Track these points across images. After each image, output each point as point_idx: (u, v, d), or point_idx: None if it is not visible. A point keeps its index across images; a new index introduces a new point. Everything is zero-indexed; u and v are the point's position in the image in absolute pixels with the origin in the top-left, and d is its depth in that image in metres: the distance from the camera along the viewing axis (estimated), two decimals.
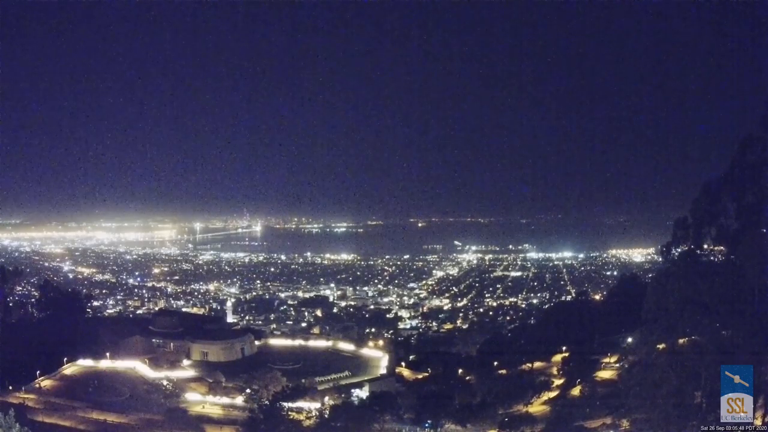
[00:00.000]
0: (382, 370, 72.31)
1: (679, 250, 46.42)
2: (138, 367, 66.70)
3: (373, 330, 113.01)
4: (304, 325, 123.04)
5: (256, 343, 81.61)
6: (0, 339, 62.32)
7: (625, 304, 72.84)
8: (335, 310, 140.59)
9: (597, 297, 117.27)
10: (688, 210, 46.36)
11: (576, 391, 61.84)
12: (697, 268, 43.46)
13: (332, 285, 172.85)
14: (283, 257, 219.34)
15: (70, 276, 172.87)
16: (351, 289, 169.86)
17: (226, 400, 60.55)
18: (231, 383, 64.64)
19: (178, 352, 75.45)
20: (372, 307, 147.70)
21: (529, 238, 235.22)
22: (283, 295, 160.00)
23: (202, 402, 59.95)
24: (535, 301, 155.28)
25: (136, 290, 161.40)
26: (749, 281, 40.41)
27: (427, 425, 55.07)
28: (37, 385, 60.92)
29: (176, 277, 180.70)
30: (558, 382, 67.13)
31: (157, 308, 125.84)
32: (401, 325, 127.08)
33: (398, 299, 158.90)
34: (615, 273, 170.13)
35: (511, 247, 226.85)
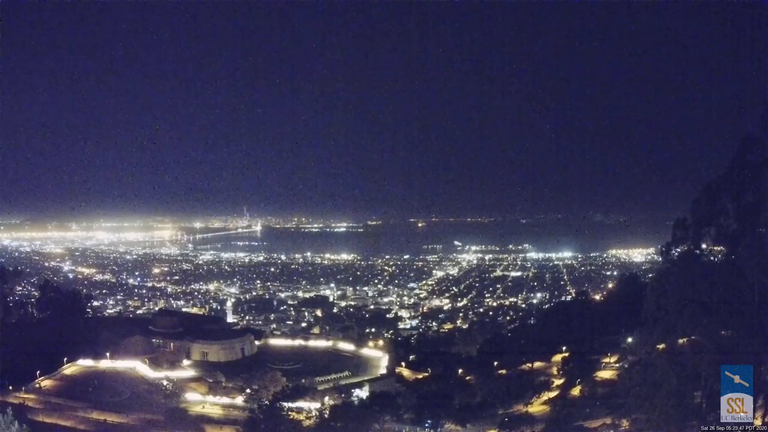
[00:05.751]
0: (382, 370, 72.32)
1: (678, 250, 46.36)
2: (138, 367, 66.67)
3: (373, 330, 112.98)
4: (304, 325, 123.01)
5: (256, 343, 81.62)
6: (0, 339, 62.32)
7: (625, 304, 72.87)
8: (335, 310, 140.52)
9: (597, 297, 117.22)
10: (688, 210, 46.31)
11: (576, 391, 61.89)
12: (697, 268, 43.44)
13: (332, 285, 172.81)
14: (283, 257, 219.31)
15: (70, 276, 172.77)
16: (351, 289, 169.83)
17: (226, 400, 60.54)
18: (231, 383, 64.64)
19: (178, 352, 75.44)
20: (372, 307, 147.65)
21: (529, 238, 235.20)
22: (283, 295, 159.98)
23: (202, 402, 59.94)
24: (535, 301, 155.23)
25: (136, 290, 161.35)
26: (749, 281, 40.40)
27: (427, 425, 55.07)
28: (37, 385, 60.90)
29: (176, 277, 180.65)
30: (558, 382, 67.17)
31: (157, 308, 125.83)
32: (401, 325, 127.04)
33: (398, 299, 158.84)
34: (615, 273, 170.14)
35: (511, 247, 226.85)
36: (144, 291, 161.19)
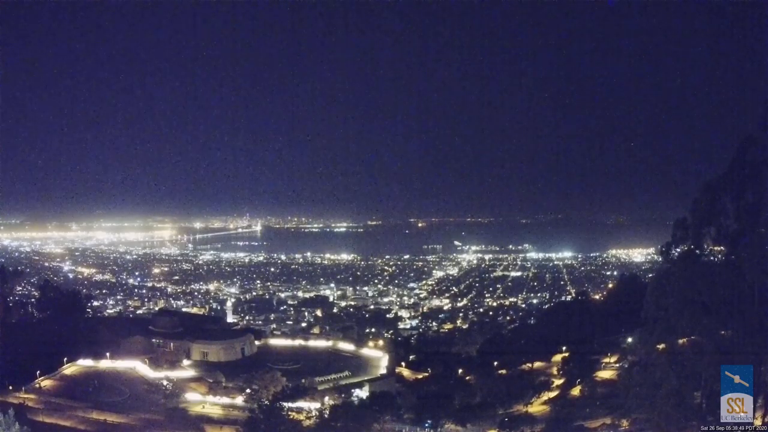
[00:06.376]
0: (382, 370, 72.23)
1: (678, 250, 46.40)
2: (138, 367, 66.62)
3: (373, 330, 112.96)
4: (304, 325, 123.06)
5: (256, 343, 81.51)
6: (0, 339, 62.30)
7: (625, 304, 73.05)
8: (335, 310, 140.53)
9: (597, 297, 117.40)
10: (688, 210, 46.36)
11: (576, 391, 61.89)
12: (697, 268, 43.44)
13: (332, 285, 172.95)
14: (283, 257, 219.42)
15: (70, 276, 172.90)
16: (351, 289, 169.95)
17: (226, 400, 60.51)
18: (231, 383, 64.55)
19: (178, 352, 75.29)
20: (372, 307, 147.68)
21: (529, 238, 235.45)
22: (283, 295, 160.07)
23: (202, 402, 59.89)
24: (535, 301, 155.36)
25: (136, 290, 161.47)
26: (749, 281, 40.43)
27: (427, 425, 55.03)
28: (37, 385, 60.80)
29: (176, 277, 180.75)
30: (558, 382, 67.16)
31: (157, 308, 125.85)
32: (401, 325, 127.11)
33: (398, 299, 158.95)
34: (615, 273, 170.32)
35: (511, 247, 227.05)
36: (144, 291, 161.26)
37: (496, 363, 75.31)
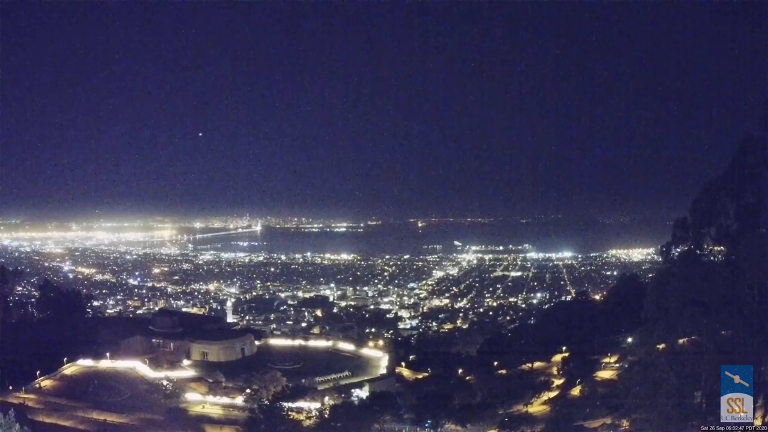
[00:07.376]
0: (382, 370, 72.26)
1: (679, 250, 46.53)
2: (138, 367, 66.66)
3: (373, 330, 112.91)
4: (304, 325, 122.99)
5: (256, 343, 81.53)
6: (0, 339, 62.28)
7: (625, 304, 73.01)
8: (335, 310, 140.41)
9: (597, 297, 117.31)
10: (688, 210, 46.48)
11: (576, 391, 61.86)
12: (697, 268, 43.52)
13: (332, 285, 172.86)
14: (283, 257, 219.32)
15: (70, 276, 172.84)
16: (351, 289, 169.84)
17: (226, 400, 60.55)
18: (231, 383, 64.60)
19: (178, 352, 75.35)
20: (372, 307, 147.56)
21: (529, 238, 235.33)
22: (283, 295, 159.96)
23: (202, 402, 59.94)
24: (535, 301, 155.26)
25: (136, 290, 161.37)
26: (749, 281, 40.48)
27: (427, 425, 55.03)
28: (37, 385, 60.84)
29: (176, 277, 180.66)
30: (558, 382, 67.13)
31: (157, 308, 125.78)
32: (401, 325, 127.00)
33: (398, 299, 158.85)
34: (615, 273, 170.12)
35: (511, 247, 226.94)
36: (144, 291, 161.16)
37: (496, 363, 75.29)
